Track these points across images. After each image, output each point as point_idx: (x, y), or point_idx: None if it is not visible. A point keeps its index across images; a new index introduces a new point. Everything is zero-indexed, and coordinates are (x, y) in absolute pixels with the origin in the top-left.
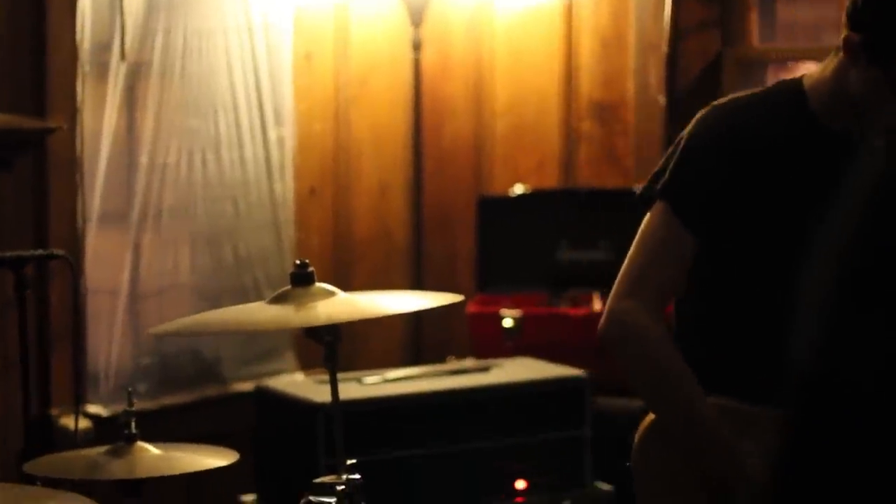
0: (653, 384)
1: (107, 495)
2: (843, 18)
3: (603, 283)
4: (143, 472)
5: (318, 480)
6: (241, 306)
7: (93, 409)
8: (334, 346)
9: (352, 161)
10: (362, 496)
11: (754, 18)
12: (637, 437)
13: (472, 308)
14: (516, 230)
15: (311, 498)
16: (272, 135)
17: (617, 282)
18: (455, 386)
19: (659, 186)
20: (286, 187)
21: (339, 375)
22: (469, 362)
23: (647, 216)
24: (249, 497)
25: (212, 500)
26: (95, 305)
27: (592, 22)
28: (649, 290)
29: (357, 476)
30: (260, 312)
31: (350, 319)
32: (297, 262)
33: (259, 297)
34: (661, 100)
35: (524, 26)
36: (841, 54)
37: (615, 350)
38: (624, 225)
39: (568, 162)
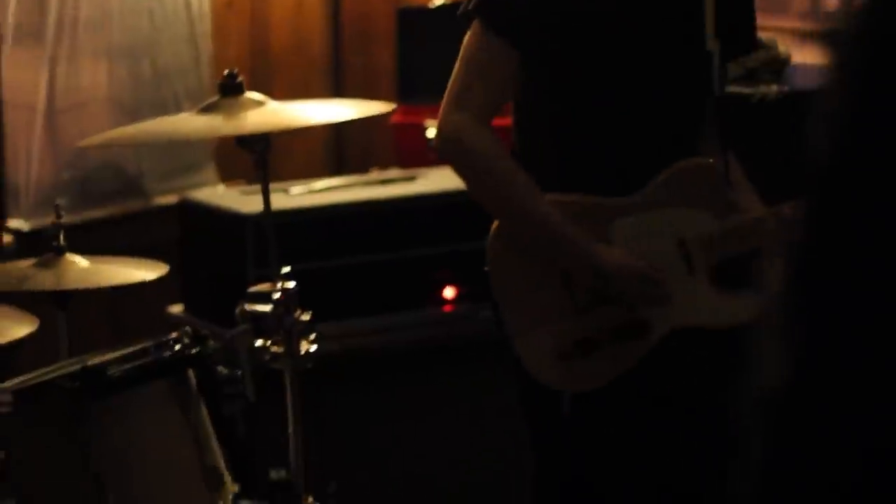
0: (489, 191)
1: (33, 307)
2: None
3: None
4: (73, 283)
5: (253, 289)
6: (170, 117)
7: (14, 223)
8: (265, 156)
9: None
10: (297, 303)
11: None
12: (488, 242)
13: (395, 118)
14: (436, 41)
15: (247, 306)
16: None
17: (444, 97)
18: (383, 195)
19: (472, 4)
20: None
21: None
22: (394, 172)
23: (468, 33)
24: (177, 308)
25: (138, 312)
26: (13, 121)
27: None
28: (475, 101)
29: (292, 284)
30: (190, 122)
31: (282, 128)
32: (226, 71)
33: (178, 110)
34: None
35: None
36: None
37: (451, 162)
38: None
39: None
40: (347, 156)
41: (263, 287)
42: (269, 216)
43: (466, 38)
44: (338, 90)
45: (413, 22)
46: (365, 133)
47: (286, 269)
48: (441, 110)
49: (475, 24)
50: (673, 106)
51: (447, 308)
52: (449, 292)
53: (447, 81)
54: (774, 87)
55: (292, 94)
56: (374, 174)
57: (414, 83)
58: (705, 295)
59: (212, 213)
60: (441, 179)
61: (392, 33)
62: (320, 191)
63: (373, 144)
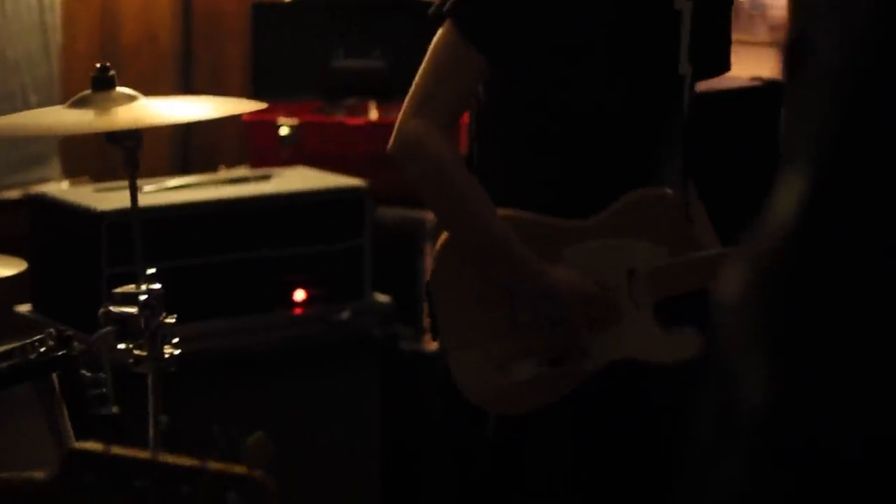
0: (442, 200)
1: None
2: None
3: (378, 92)
4: None
5: (118, 290)
6: (41, 110)
7: None
8: (135, 152)
9: None
10: (163, 305)
11: None
12: (435, 252)
13: (248, 116)
14: (291, 37)
15: (112, 308)
16: None
17: (406, 100)
18: (238, 194)
19: (446, 6)
20: None
21: (114, 184)
22: (244, 171)
23: (438, 34)
24: (24, 308)
25: None
26: None
27: None
28: (437, 108)
29: (158, 285)
30: (61, 116)
31: (155, 124)
32: (98, 65)
33: (25, 102)
34: None
35: None
36: None
37: (405, 168)
38: (399, 32)
39: None
40: (194, 152)
41: (128, 288)
42: (136, 213)
43: (435, 39)
44: (186, 85)
45: (267, 17)
46: (213, 129)
47: (151, 271)
48: (402, 113)
49: (446, 27)
50: (638, 129)
51: (297, 310)
52: (300, 294)
53: (300, 78)
54: None
55: (140, 87)
56: (226, 172)
57: (267, 79)
58: (648, 329)
59: (64, 210)
60: (294, 180)
61: (243, 28)
62: (174, 188)
63: (221, 141)
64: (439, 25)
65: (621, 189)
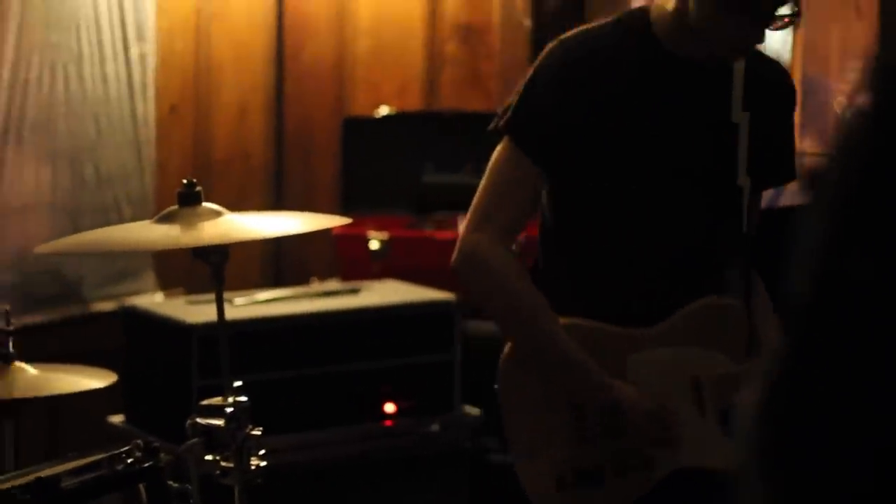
0: (505, 313)
1: None
2: None
3: (467, 207)
4: (22, 391)
5: (205, 402)
6: (129, 225)
7: None
8: (221, 267)
9: (212, 80)
10: (249, 418)
11: None
12: (501, 362)
13: (338, 230)
14: (380, 152)
15: (199, 420)
16: (134, 52)
17: (468, 215)
18: (328, 308)
19: (503, 121)
20: (147, 105)
21: (206, 297)
22: (335, 284)
23: (497, 149)
24: (118, 418)
25: (79, 421)
26: None
27: None
28: (498, 221)
29: (244, 398)
30: (149, 232)
31: (240, 240)
32: (185, 181)
33: (119, 216)
34: (527, 23)
35: None
36: None
37: (467, 281)
38: (488, 148)
39: (431, 84)
40: (286, 266)
41: (215, 401)
42: (223, 326)
43: (495, 154)
44: (278, 200)
45: (358, 132)
46: (305, 243)
47: (238, 383)
48: (463, 227)
49: (505, 142)
50: (698, 239)
51: (388, 423)
52: (390, 407)
53: (390, 192)
54: None
55: (232, 202)
56: (316, 286)
57: (356, 194)
58: (713, 437)
59: (156, 323)
60: (384, 293)
61: (332, 143)
62: (264, 302)
63: (312, 254)
64: (498, 141)
65: (684, 298)
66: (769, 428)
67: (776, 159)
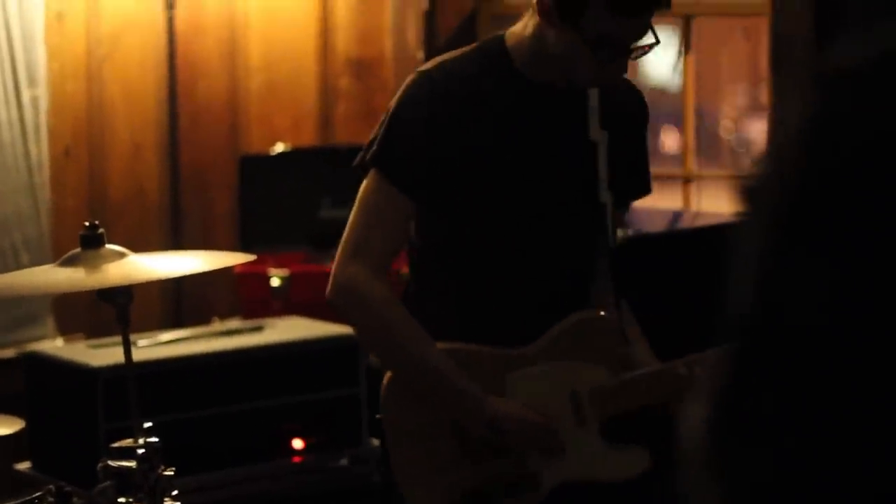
0: (382, 342)
1: None
2: None
3: None
4: None
5: (115, 445)
6: (32, 269)
7: None
8: (126, 309)
9: (105, 121)
10: (161, 458)
11: None
12: (382, 392)
13: (239, 268)
14: (277, 188)
15: (111, 462)
16: (26, 95)
17: (340, 247)
18: (233, 346)
19: (369, 155)
20: (41, 148)
21: (108, 340)
22: (237, 323)
23: (364, 182)
24: (24, 465)
25: None
26: None
27: None
28: (370, 254)
29: (155, 439)
30: (53, 275)
31: (145, 280)
32: (87, 223)
33: (17, 261)
34: (419, 55)
35: None
36: (537, 15)
37: (344, 313)
38: None
39: (326, 119)
40: (186, 305)
41: (126, 442)
42: (131, 368)
43: (363, 187)
44: (176, 238)
45: (254, 169)
46: (205, 281)
47: (148, 424)
48: (336, 260)
49: (372, 175)
50: (567, 256)
51: (296, 458)
52: (298, 443)
53: (288, 228)
54: (618, 231)
55: (130, 242)
56: (218, 325)
57: (254, 231)
58: (595, 448)
59: (60, 367)
60: (288, 330)
61: (229, 180)
62: (169, 342)
63: (212, 293)
64: (365, 174)
65: (557, 315)
66: (718, 441)
67: (633, 175)
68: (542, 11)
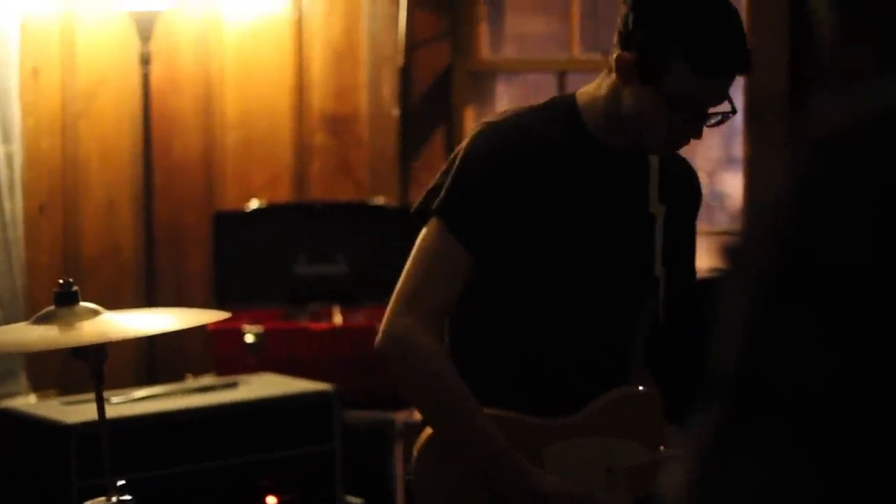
0: (430, 399)
1: None
2: (615, 38)
3: (341, 297)
4: None
5: (89, 502)
6: (6, 327)
7: None
8: (100, 366)
9: (80, 177)
10: None
11: (484, 30)
12: (416, 450)
13: (213, 325)
14: (252, 245)
15: None
16: (1, 152)
17: (393, 298)
18: (207, 403)
19: (435, 204)
20: (15, 205)
21: (82, 396)
22: (211, 379)
23: (423, 232)
24: None
25: None
26: None
27: (324, 35)
28: (425, 306)
29: (129, 497)
30: (27, 333)
31: (120, 338)
32: (61, 281)
33: None
34: (395, 112)
35: (254, 39)
36: (613, 74)
37: (392, 366)
38: (359, 238)
39: (301, 175)
40: (159, 362)
41: (99, 500)
42: (105, 425)
43: (421, 236)
44: (150, 295)
45: (229, 225)
46: (178, 338)
47: (121, 482)
48: (389, 309)
49: (434, 224)
50: (614, 328)
51: None
52: (271, 500)
53: (263, 284)
54: None
55: (103, 299)
56: (192, 381)
57: (229, 288)
58: None
59: (32, 424)
60: (262, 386)
61: (204, 237)
62: (142, 399)
63: (185, 350)
64: (422, 223)
65: (599, 388)
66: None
67: (684, 254)
68: (623, 68)
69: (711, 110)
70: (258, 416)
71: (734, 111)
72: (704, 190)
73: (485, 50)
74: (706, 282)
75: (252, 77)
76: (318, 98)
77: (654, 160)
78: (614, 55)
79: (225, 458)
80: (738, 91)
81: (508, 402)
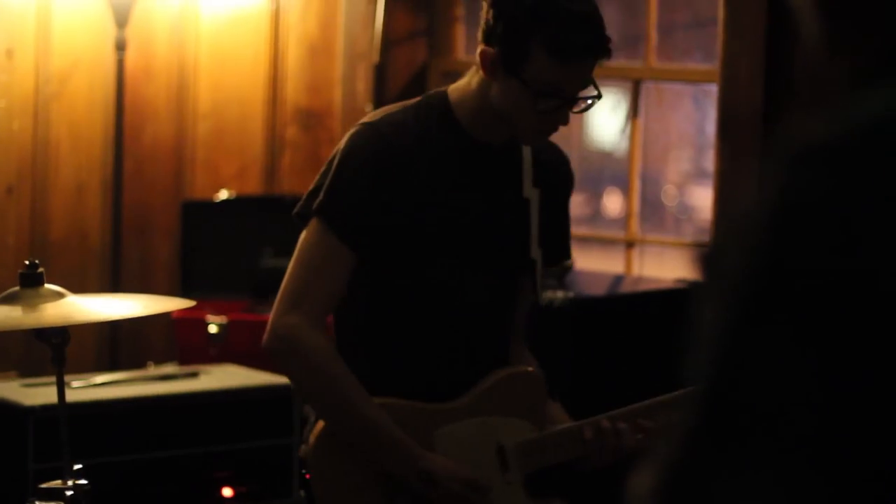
0: (319, 393)
1: None
2: (479, 35)
3: None
4: None
5: (44, 486)
6: None
7: None
8: (62, 349)
9: (50, 160)
10: (90, 501)
11: (460, 31)
12: (310, 447)
13: (177, 313)
14: (219, 235)
15: (39, 503)
16: None
17: (278, 298)
18: (167, 391)
19: (315, 204)
20: None
21: (42, 379)
22: (172, 368)
23: (305, 232)
24: None
25: None
26: None
27: (300, 29)
28: (310, 303)
29: (84, 481)
30: None
31: (83, 322)
32: (27, 262)
33: None
34: (369, 108)
35: (230, 30)
36: (481, 71)
37: (280, 363)
38: None
39: (271, 168)
40: (122, 348)
41: (54, 484)
42: (64, 408)
43: (303, 237)
44: (115, 281)
45: (196, 215)
46: (142, 325)
47: (78, 466)
48: (275, 309)
49: (314, 224)
50: (495, 312)
51: None
52: (227, 492)
53: (229, 276)
54: (560, 293)
55: (68, 283)
56: (153, 369)
57: (196, 277)
58: (519, 502)
59: None
60: (223, 377)
61: (171, 225)
62: (103, 384)
63: (148, 337)
64: (305, 224)
65: (481, 369)
66: None
67: (558, 237)
68: (487, 63)
69: (580, 94)
70: (218, 407)
71: (600, 96)
72: (674, 202)
73: (461, 51)
74: (677, 292)
75: (226, 68)
76: (292, 91)
77: (526, 151)
78: (479, 50)
79: (183, 447)
80: (711, 106)
81: (397, 391)
